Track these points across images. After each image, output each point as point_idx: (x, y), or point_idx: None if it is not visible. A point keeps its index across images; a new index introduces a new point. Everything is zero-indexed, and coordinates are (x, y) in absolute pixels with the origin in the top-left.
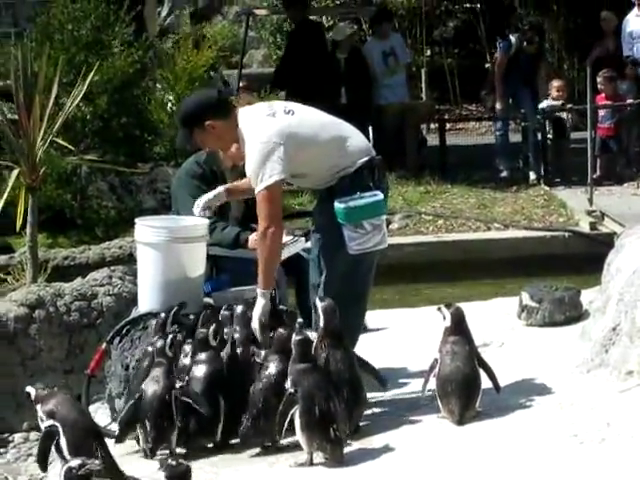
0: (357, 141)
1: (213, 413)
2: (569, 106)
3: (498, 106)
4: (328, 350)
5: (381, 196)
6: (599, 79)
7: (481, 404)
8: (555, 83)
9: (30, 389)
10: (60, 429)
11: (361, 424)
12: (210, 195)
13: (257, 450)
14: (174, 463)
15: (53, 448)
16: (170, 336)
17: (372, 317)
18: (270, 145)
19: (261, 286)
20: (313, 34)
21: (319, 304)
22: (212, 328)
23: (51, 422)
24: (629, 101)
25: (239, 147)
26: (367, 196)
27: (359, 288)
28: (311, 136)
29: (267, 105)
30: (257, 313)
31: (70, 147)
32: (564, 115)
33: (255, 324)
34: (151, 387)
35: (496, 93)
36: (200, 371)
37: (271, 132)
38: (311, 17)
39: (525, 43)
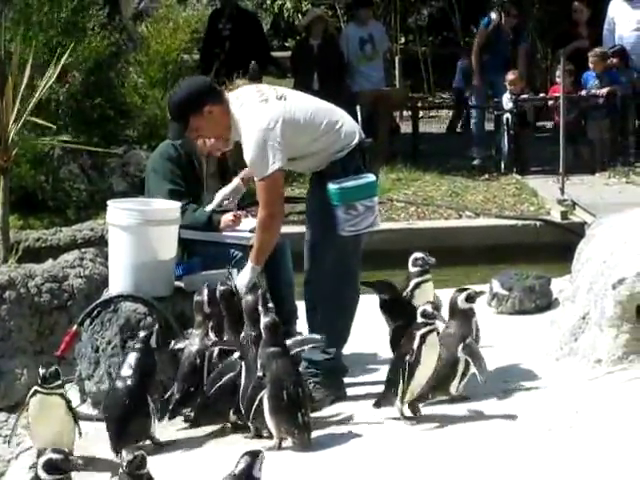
0: (348, 125)
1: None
2: (542, 95)
3: (475, 82)
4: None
5: (373, 177)
6: (558, 72)
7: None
8: (509, 76)
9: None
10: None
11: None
12: (227, 190)
13: (234, 435)
14: (130, 457)
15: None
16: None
17: None
18: (267, 133)
19: (254, 261)
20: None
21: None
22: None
23: None
24: (594, 91)
25: (222, 136)
26: (359, 177)
27: (352, 269)
28: (305, 121)
29: (256, 90)
30: (244, 282)
31: (48, 124)
32: (525, 106)
33: (241, 290)
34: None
35: (473, 73)
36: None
37: (267, 119)
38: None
39: (504, 15)
